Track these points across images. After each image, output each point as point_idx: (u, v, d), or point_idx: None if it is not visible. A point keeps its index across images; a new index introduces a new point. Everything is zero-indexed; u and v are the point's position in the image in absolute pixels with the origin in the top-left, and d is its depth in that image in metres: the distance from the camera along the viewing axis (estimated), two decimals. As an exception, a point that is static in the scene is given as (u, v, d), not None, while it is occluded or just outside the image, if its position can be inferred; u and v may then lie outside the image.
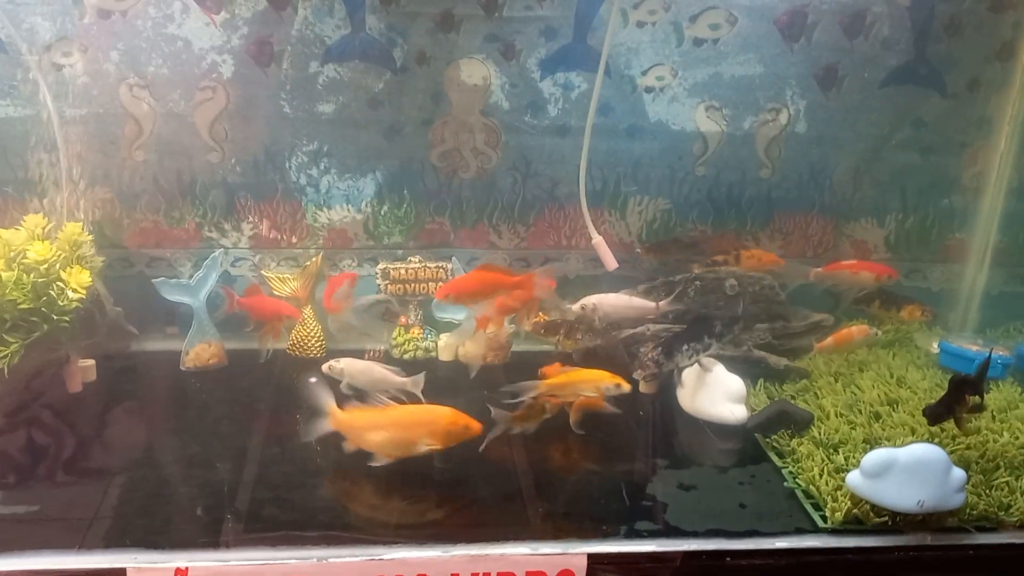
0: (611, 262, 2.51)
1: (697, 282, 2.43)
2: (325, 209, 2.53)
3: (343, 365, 2.10)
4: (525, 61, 2.44)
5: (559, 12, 2.39)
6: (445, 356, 2.52)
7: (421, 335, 2.53)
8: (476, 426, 1.85)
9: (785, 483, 1.91)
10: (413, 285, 2.52)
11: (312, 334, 2.48)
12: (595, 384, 2.04)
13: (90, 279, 2.01)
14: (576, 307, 2.29)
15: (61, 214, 2.25)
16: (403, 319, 2.54)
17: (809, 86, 2.51)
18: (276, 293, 2.49)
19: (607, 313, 2.30)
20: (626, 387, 2.03)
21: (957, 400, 1.89)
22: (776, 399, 2.18)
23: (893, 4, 2.43)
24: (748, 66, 2.48)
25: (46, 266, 1.97)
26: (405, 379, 2.03)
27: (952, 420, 1.91)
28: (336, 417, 1.84)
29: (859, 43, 2.47)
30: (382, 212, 2.55)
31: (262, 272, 2.51)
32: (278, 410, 2.17)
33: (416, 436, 1.82)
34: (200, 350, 2.37)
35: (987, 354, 2.06)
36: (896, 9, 2.44)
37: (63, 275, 2.00)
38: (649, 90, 2.50)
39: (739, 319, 2.41)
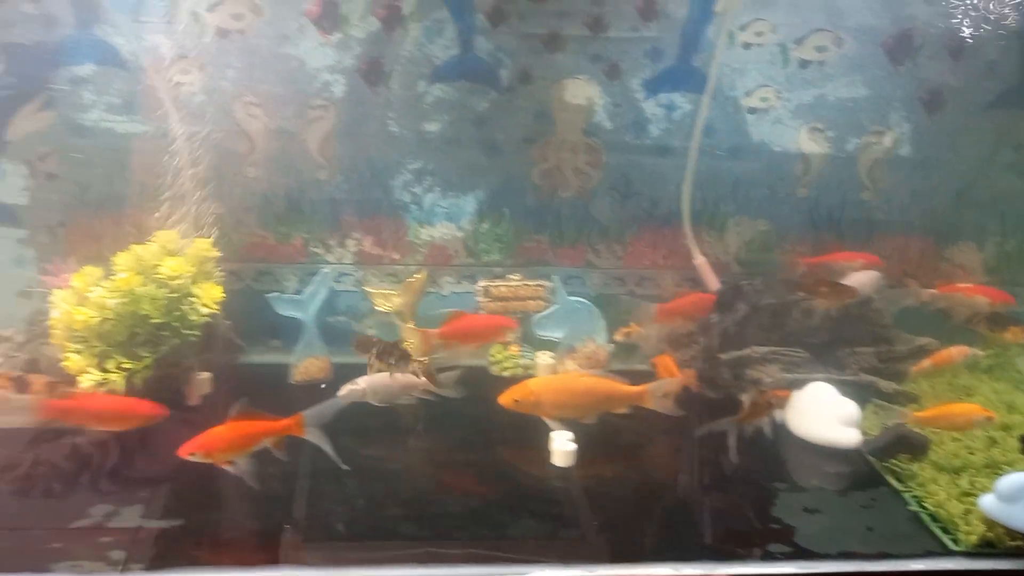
0: (713, 282, 2.58)
1: (802, 303, 2.48)
2: (427, 226, 2.62)
3: (363, 385, 2.17)
4: (629, 81, 2.53)
5: (665, 33, 2.49)
6: (543, 374, 2.59)
7: (519, 352, 2.60)
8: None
9: (908, 506, 1.96)
10: (513, 303, 2.60)
11: (415, 349, 2.56)
12: (967, 417, 2.11)
13: (221, 295, 2.10)
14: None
15: (182, 228, 2.33)
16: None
17: (914, 108, 2.58)
18: (378, 308, 2.57)
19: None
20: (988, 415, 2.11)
21: None
22: (893, 423, 2.22)
23: (999, 27, 2.49)
24: (853, 88, 2.56)
25: (179, 281, 2.06)
26: (430, 379, 2.16)
27: None
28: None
29: (964, 66, 2.53)
30: (482, 230, 2.64)
31: (364, 288, 2.59)
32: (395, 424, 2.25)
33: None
34: (309, 364, 2.46)
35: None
36: (1002, 32, 2.49)
37: (194, 290, 2.09)
38: (753, 111, 2.57)
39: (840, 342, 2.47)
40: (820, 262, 2.59)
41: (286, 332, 2.54)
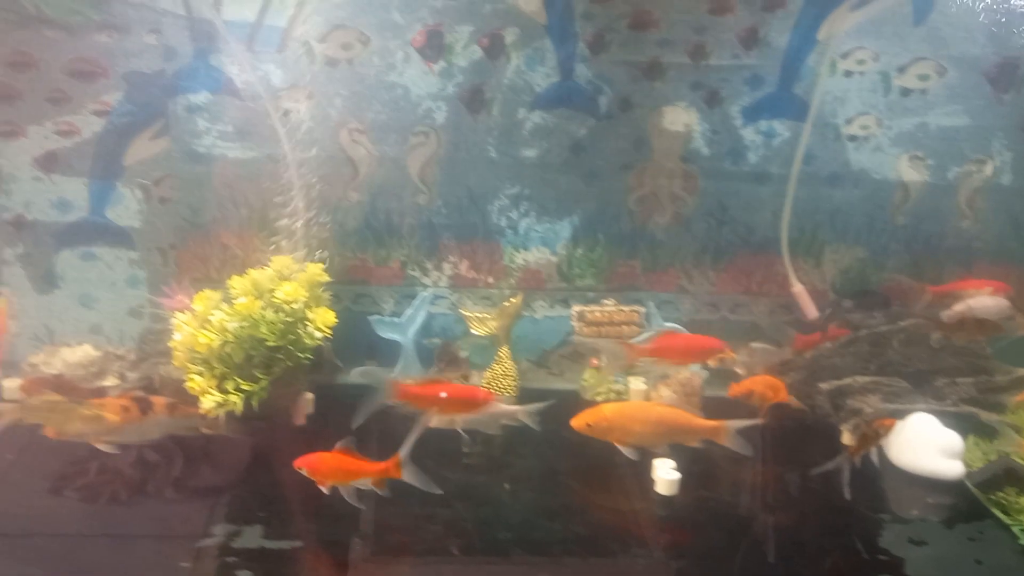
0: (812, 311, 2.58)
1: (902, 334, 2.47)
2: (522, 251, 2.66)
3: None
4: (728, 108, 2.55)
5: (766, 61, 2.51)
6: (636, 399, 2.61)
7: (612, 378, 2.62)
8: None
9: (1018, 541, 1.95)
10: (607, 328, 2.62)
11: (507, 373, 2.60)
12: None
13: (335, 319, 2.16)
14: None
15: (294, 252, 2.40)
16: (594, 361, 2.64)
17: (1017, 137, 2.57)
18: (473, 331, 2.61)
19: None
20: None
21: None
22: (1000, 456, 2.20)
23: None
24: (955, 117, 2.55)
25: (294, 306, 2.12)
26: (518, 407, 2.16)
27: None
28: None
29: (1072, 94, 2.50)
30: (576, 254, 2.67)
31: (460, 311, 2.63)
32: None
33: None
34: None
35: None
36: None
37: (309, 315, 2.15)
38: (853, 139, 2.58)
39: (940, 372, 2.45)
40: (947, 291, 2.57)
41: (382, 352, 2.61)
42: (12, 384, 2.36)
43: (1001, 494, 2.09)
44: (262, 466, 2.18)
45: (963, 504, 2.11)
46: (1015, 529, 1.99)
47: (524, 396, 2.55)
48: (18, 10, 2.28)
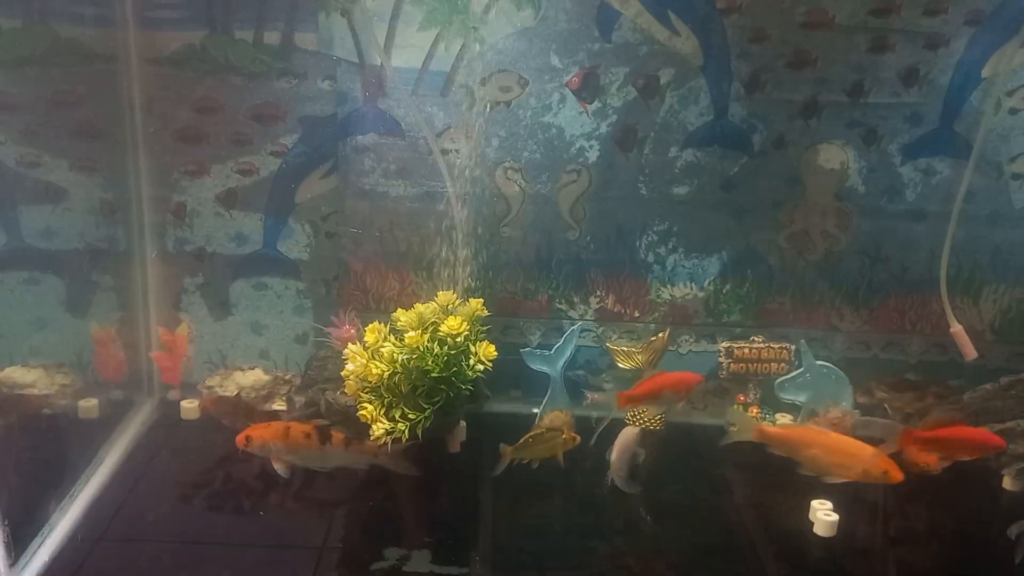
0: (971, 351, 2.50)
1: (1014, 389, 2.37)
2: (668, 286, 2.68)
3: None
4: (886, 146, 2.51)
5: (926, 98, 2.46)
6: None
7: (759, 414, 2.59)
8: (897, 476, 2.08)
9: None
10: (756, 365, 2.61)
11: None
12: None
13: (495, 352, 2.22)
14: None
15: (457, 287, 2.50)
16: (741, 397, 2.63)
17: None
18: (619, 364, 2.63)
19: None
20: None
21: None
22: None
23: None
24: None
25: (458, 339, 2.20)
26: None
27: None
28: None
29: None
30: (724, 291, 2.67)
31: (606, 344, 2.66)
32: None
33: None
34: (554, 417, 2.56)
35: None
36: None
37: (471, 347, 2.22)
38: (1016, 177, 2.49)
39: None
40: None
41: (528, 383, 2.68)
42: (191, 404, 2.53)
43: None
44: (428, 492, 2.27)
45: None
46: None
47: (672, 430, 2.58)
48: (208, 60, 2.46)
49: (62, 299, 2.60)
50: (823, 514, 2.12)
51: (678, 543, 2.10)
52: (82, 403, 2.49)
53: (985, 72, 2.43)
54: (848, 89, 2.47)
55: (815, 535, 2.10)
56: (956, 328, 2.55)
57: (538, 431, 2.29)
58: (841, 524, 2.10)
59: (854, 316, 2.67)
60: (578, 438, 2.31)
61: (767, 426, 2.32)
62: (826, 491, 2.16)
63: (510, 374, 2.69)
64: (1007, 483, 2.31)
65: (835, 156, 2.55)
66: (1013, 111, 2.45)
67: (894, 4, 2.38)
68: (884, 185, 2.55)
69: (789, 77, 2.47)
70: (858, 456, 2.12)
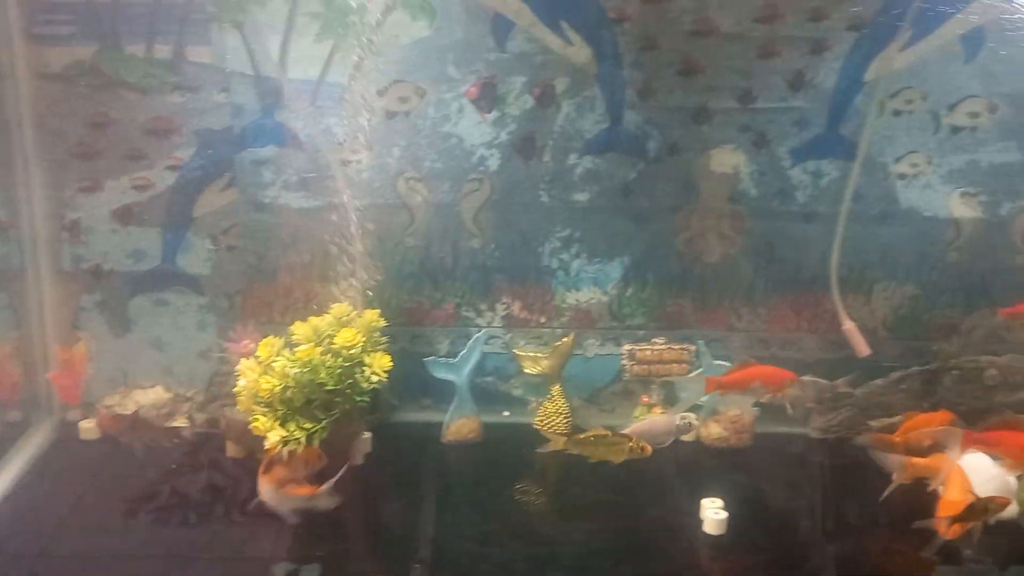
0: (863, 348, 2.54)
1: (954, 371, 2.41)
2: (573, 291, 2.68)
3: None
4: (776, 149, 2.54)
5: (813, 103, 2.50)
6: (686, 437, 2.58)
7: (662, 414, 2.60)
8: None
9: None
10: (658, 366, 2.62)
11: (559, 410, 2.60)
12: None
13: (390, 363, 2.19)
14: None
15: (352, 298, 2.45)
16: (645, 398, 2.63)
17: None
18: (526, 370, 2.62)
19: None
20: None
21: None
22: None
23: None
24: (1007, 153, 2.52)
25: (352, 351, 2.16)
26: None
27: None
28: None
29: None
30: (627, 294, 2.67)
31: (514, 350, 2.64)
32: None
33: None
34: (461, 424, 2.55)
35: None
36: None
37: (366, 359, 2.19)
38: (902, 177, 2.55)
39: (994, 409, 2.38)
40: (1018, 312, 2.53)
41: (436, 391, 2.66)
42: (89, 424, 2.46)
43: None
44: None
45: (1017, 545, 2.05)
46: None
47: (578, 432, 2.56)
48: (99, 75, 2.41)
49: (-46, 319, 2.53)
50: (712, 512, 2.13)
51: (571, 546, 2.10)
52: (-26, 425, 2.41)
53: (868, 76, 2.47)
54: (737, 95, 2.50)
55: (705, 533, 2.12)
56: (848, 326, 2.59)
57: (603, 432, 2.25)
58: (731, 521, 2.12)
59: (752, 316, 2.70)
60: (649, 448, 2.23)
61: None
62: (716, 490, 2.20)
63: (419, 383, 2.68)
64: (896, 476, 2.33)
65: (727, 160, 2.57)
66: (896, 113, 2.50)
67: (778, 11, 2.41)
68: (775, 188, 2.59)
69: (680, 84, 2.49)
70: None
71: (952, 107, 2.48)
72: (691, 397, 2.56)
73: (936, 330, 2.60)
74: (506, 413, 2.70)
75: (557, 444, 2.24)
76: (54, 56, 2.41)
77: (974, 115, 2.48)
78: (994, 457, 2.18)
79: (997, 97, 2.46)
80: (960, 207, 2.56)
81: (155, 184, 2.51)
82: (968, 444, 2.17)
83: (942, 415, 2.30)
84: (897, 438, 2.27)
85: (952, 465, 2.09)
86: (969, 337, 2.51)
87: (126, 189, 2.50)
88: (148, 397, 2.47)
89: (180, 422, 2.47)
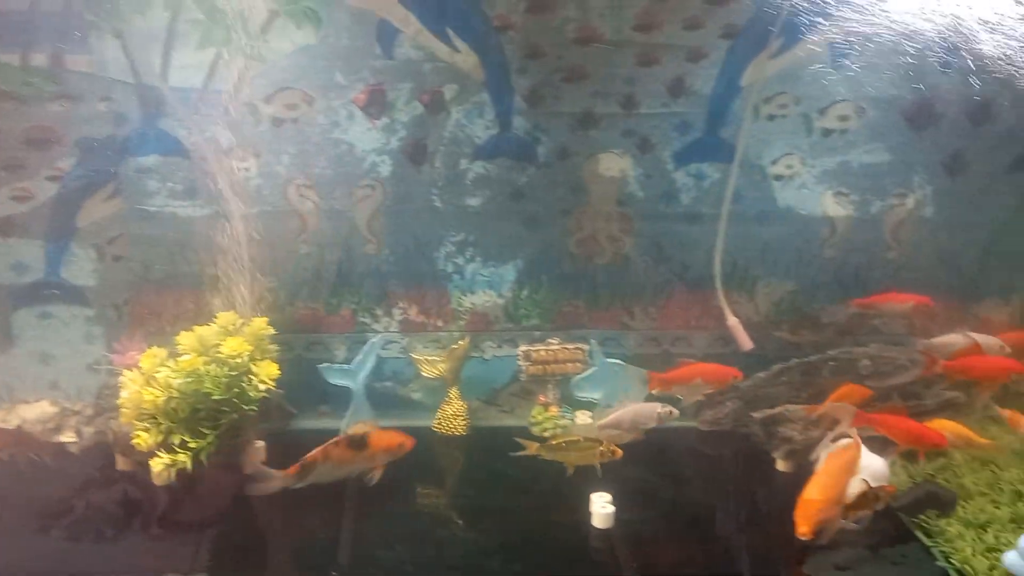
0: (746, 343, 2.62)
1: (831, 362, 2.51)
2: (469, 294, 2.70)
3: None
4: (660, 153, 2.61)
5: (693, 108, 2.58)
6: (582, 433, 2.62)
7: (559, 413, 2.64)
8: None
9: (937, 562, 2.01)
10: (553, 366, 2.66)
11: (457, 412, 2.63)
12: None
13: (278, 371, 2.18)
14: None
15: (239, 306, 2.43)
16: (542, 397, 2.67)
17: (936, 172, 2.65)
18: (424, 374, 2.63)
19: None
20: None
21: None
22: (921, 480, 2.23)
23: (1018, 92, 2.50)
24: (876, 154, 2.63)
25: (238, 360, 2.14)
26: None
27: None
28: None
29: (985, 131, 2.58)
30: (522, 296, 2.71)
31: (411, 354, 2.65)
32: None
33: None
34: (358, 428, 2.51)
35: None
36: (1021, 98, 2.51)
37: (252, 368, 2.17)
38: (778, 178, 2.64)
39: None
40: (871, 303, 2.66)
41: (335, 398, 2.66)
42: (-29, 441, 2.38)
43: (923, 517, 2.13)
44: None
45: (890, 528, 2.15)
46: (935, 551, 2.02)
47: (476, 434, 2.60)
48: (-28, 84, 2.32)
49: None
50: (600, 507, 2.18)
51: (461, 546, 2.12)
52: None
53: (743, 81, 2.56)
54: (622, 101, 2.56)
55: (594, 527, 2.16)
56: (732, 321, 2.68)
57: (575, 438, 2.28)
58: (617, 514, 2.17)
59: (643, 315, 2.77)
60: (619, 452, 2.26)
61: None
62: (606, 484, 2.23)
63: (318, 391, 2.66)
64: (779, 464, 2.43)
65: (614, 164, 2.63)
66: (771, 117, 2.60)
67: (656, 20, 2.48)
68: (661, 190, 2.66)
69: (567, 91, 2.54)
70: None
71: (823, 111, 2.58)
72: (637, 394, 2.58)
73: (805, 323, 2.71)
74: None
75: (531, 449, 2.26)
76: (-75, 65, 2.34)
77: (844, 118, 2.59)
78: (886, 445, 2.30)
79: (864, 101, 2.57)
80: (833, 206, 2.67)
81: (36, 195, 2.44)
82: (859, 423, 2.28)
83: (862, 390, 2.44)
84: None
85: (825, 462, 2.19)
86: (828, 329, 2.62)
87: (5, 200, 2.43)
88: (33, 412, 2.39)
89: (67, 437, 2.40)
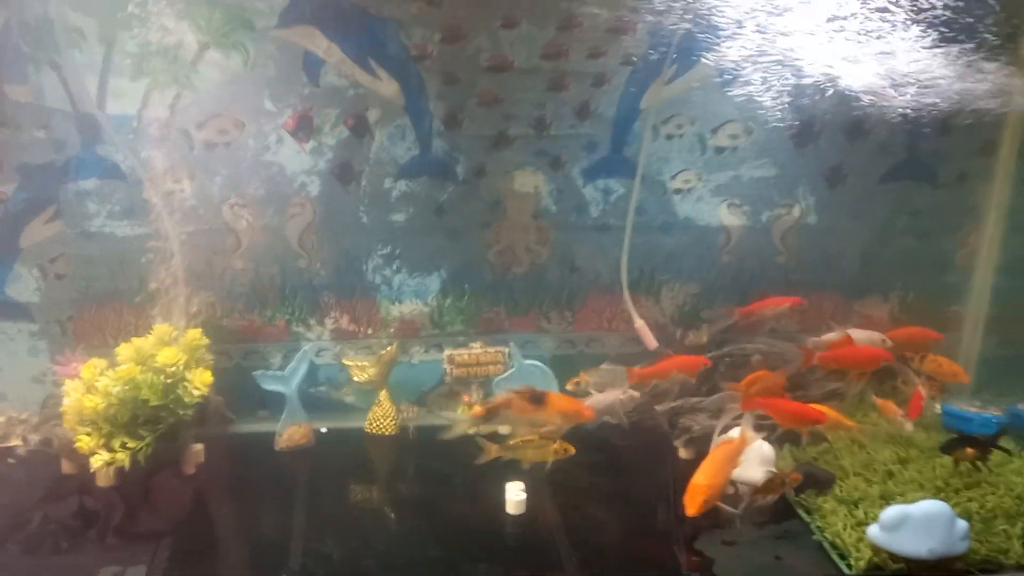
0: (652, 343, 2.82)
1: (727, 358, 2.72)
2: (397, 303, 2.86)
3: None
4: (570, 171, 2.79)
5: (598, 129, 2.78)
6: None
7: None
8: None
9: (813, 536, 2.21)
10: (475, 368, 2.82)
11: (386, 414, 2.77)
12: None
13: (211, 378, 2.31)
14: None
15: (177, 319, 2.55)
16: (466, 397, 2.83)
17: (818, 184, 2.89)
18: (354, 378, 2.77)
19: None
20: None
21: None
22: (802, 462, 2.44)
23: (888, 111, 2.74)
24: (764, 168, 2.86)
25: (173, 368, 2.27)
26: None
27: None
28: None
29: (859, 146, 2.82)
30: (446, 304, 2.87)
31: (343, 360, 2.79)
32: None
33: None
34: (292, 432, 2.68)
35: (987, 416, 2.39)
36: (891, 115, 2.74)
37: (187, 375, 2.30)
38: (678, 191, 2.85)
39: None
40: (751, 309, 2.86)
41: (273, 403, 2.78)
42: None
43: (804, 496, 2.33)
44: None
45: (776, 507, 2.35)
46: (812, 527, 2.23)
47: (405, 433, 2.74)
48: (-86, 113, 2.41)
49: None
50: (515, 495, 2.34)
51: (389, 536, 2.26)
52: None
53: (643, 105, 2.76)
54: (533, 123, 2.75)
55: (508, 514, 2.33)
56: (639, 324, 2.88)
57: (531, 438, 2.40)
58: (529, 501, 2.33)
59: (559, 319, 2.95)
60: (572, 449, 2.39)
61: None
62: (521, 474, 2.39)
63: (255, 397, 2.78)
64: (682, 453, 2.62)
65: (529, 181, 2.81)
66: (668, 136, 2.81)
67: (562, 48, 2.67)
68: (572, 204, 2.85)
69: (482, 114, 2.72)
70: None
71: (715, 130, 2.80)
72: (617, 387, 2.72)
73: (701, 325, 2.92)
74: (324, 429, 2.79)
75: (491, 452, 2.36)
76: None
77: (734, 137, 2.81)
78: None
79: (751, 121, 2.79)
80: (728, 216, 2.90)
81: None
82: (749, 406, 2.46)
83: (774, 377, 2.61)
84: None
85: (712, 450, 2.39)
86: (712, 328, 2.84)
87: None
88: (-17, 420, 2.50)
89: (15, 442, 2.50)
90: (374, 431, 2.79)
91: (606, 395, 2.63)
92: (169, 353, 2.30)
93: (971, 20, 2.35)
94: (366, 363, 2.81)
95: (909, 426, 2.57)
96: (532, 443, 2.42)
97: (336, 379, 2.87)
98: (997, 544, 2.12)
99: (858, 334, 2.77)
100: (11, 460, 2.45)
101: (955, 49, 2.35)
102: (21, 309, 2.64)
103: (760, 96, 2.71)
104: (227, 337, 2.73)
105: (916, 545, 2.02)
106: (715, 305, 2.94)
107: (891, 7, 2.33)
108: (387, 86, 2.66)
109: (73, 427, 2.22)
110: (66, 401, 2.24)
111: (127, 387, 2.22)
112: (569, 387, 2.73)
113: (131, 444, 2.22)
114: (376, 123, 2.68)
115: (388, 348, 2.81)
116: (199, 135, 2.58)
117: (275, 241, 2.73)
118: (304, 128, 2.66)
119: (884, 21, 2.35)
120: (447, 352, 2.85)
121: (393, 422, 2.79)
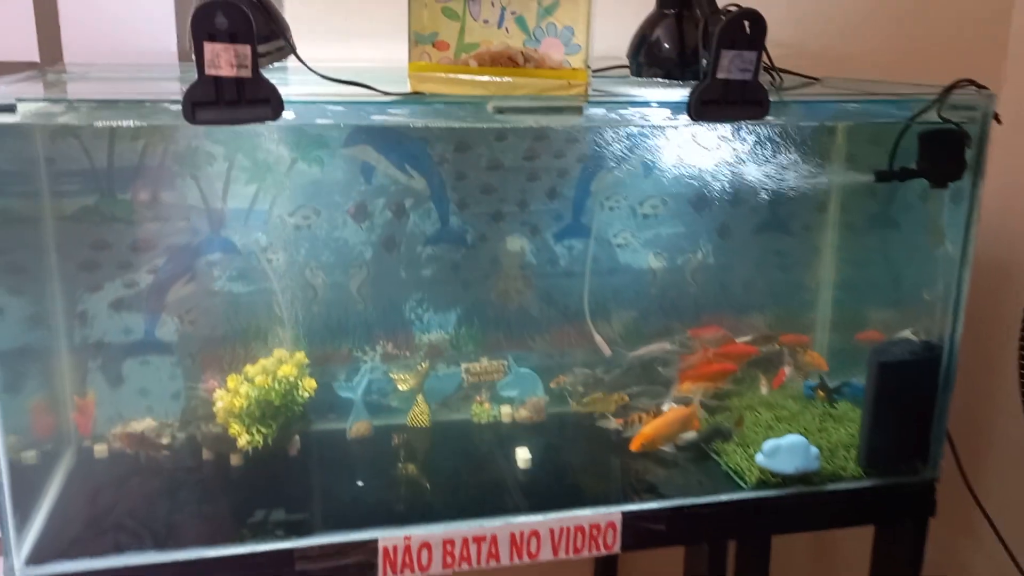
0: (606, 351, 3.79)
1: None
2: (427, 334, 3.63)
3: None
4: (544, 235, 3.76)
5: (563, 206, 3.72)
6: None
7: (490, 408, 3.74)
8: None
9: (721, 467, 3.17)
10: (484, 376, 3.70)
11: (422, 412, 3.65)
12: None
13: (316, 385, 3.22)
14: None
15: (284, 347, 3.45)
16: (478, 398, 3.76)
17: (712, 236, 3.85)
18: (399, 387, 3.68)
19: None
20: None
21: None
22: (714, 422, 3.45)
23: (752, 188, 3.82)
24: (676, 227, 3.81)
25: (290, 378, 3.18)
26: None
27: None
28: None
29: (739, 210, 3.87)
30: (461, 333, 3.72)
31: (390, 374, 3.70)
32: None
33: None
34: (358, 426, 3.44)
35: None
36: (757, 191, 3.83)
37: (299, 383, 3.21)
38: (619, 246, 3.83)
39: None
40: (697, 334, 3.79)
41: (339, 407, 3.61)
42: (101, 447, 3.28)
43: (715, 443, 3.32)
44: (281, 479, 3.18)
45: (693, 453, 3.33)
46: (721, 462, 3.22)
47: (435, 426, 3.65)
48: (98, 214, 3.30)
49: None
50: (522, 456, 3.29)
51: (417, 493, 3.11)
52: None
53: (592, 188, 3.74)
54: (518, 203, 3.66)
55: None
56: (598, 338, 3.79)
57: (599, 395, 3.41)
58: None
59: (541, 340, 3.74)
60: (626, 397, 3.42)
61: None
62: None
63: (327, 401, 3.62)
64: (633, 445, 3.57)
65: (517, 244, 3.68)
66: (611, 208, 3.75)
67: (536, 153, 3.63)
68: (546, 258, 3.70)
69: (483, 199, 3.63)
70: None
71: (641, 203, 3.77)
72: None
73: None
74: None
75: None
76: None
77: (655, 207, 3.78)
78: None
79: (666, 195, 3.77)
80: (654, 261, 3.76)
81: (139, 283, 3.35)
82: (685, 380, 3.51)
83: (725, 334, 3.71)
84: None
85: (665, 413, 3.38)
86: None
87: (120, 288, 3.33)
88: (142, 425, 3.29)
89: (166, 440, 3.33)
90: (413, 424, 3.70)
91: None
92: (286, 368, 3.20)
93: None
94: (407, 376, 3.74)
95: (765, 390, 3.63)
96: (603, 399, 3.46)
97: (385, 389, 3.72)
98: (839, 464, 3.16)
99: (742, 339, 3.82)
100: (165, 452, 3.30)
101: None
102: (164, 346, 3.42)
103: (665, 178, 3.78)
104: (316, 360, 3.58)
105: (786, 465, 3.01)
106: (649, 325, 3.96)
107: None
108: (418, 182, 3.59)
109: (225, 420, 3.09)
110: (219, 404, 3.12)
111: (260, 392, 3.12)
112: (552, 386, 3.72)
113: (264, 430, 3.11)
114: (410, 207, 3.57)
115: (422, 365, 3.69)
116: (290, 220, 3.47)
117: (341, 293, 3.62)
118: (361, 213, 3.60)
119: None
120: (463, 366, 3.71)
121: (427, 417, 3.71)
